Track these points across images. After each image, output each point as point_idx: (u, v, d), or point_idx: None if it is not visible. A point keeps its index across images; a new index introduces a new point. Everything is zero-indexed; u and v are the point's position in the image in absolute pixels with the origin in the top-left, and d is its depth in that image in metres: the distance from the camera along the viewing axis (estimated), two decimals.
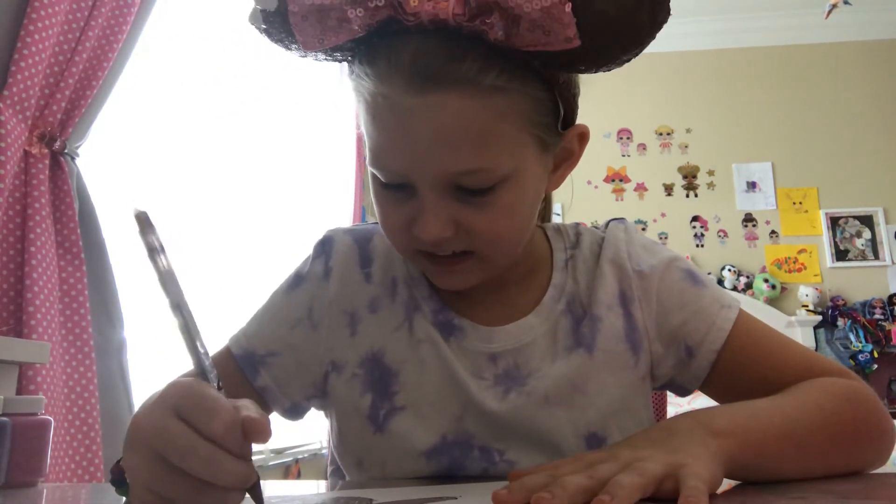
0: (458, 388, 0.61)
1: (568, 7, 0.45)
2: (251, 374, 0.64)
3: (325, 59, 0.56)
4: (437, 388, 0.61)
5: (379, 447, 0.60)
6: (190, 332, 0.39)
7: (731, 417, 0.49)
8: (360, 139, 2.71)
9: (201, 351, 0.39)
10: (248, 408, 0.38)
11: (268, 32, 0.54)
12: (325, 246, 0.67)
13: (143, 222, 0.38)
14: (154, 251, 0.38)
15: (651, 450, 0.43)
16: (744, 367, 0.60)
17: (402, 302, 0.65)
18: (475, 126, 0.50)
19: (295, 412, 0.67)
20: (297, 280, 0.67)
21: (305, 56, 0.56)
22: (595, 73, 0.53)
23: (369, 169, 0.56)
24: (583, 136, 0.61)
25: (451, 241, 0.54)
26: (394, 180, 0.54)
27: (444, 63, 0.48)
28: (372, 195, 0.58)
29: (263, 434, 0.37)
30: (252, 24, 0.55)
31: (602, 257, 0.65)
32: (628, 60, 0.51)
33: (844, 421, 0.53)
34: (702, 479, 0.39)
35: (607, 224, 0.69)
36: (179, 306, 0.39)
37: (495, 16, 0.46)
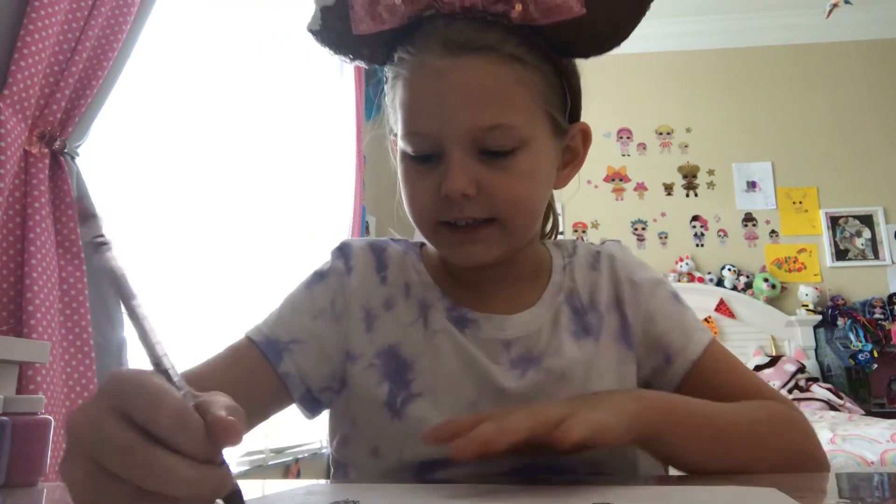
0: (474, 373, 0.64)
1: None
2: (275, 359, 0.64)
3: (368, 61, 0.65)
4: (452, 374, 0.64)
5: (397, 433, 0.62)
6: (146, 336, 0.34)
7: (661, 393, 0.58)
8: (359, 138, 2.72)
9: (159, 351, 0.34)
10: (215, 403, 0.32)
11: (320, 34, 0.63)
12: (343, 249, 0.71)
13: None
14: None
15: (567, 401, 0.51)
16: (709, 383, 0.65)
17: (415, 301, 0.68)
18: (498, 86, 0.58)
19: (308, 403, 0.67)
20: (318, 277, 0.70)
21: (354, 56, 0.65)
22: (597, 52, 0.61)
23: (400, 148, 0.62)
24: (586, 135, 0.68)
25: (474, 203, 0.59)
26: (423, 149, 0.60)
27: (472, 33, 0.58)
28: (400, 178, 0.64)
29: (231, 434, 0.31)
30: (310, 28, 0.63)
31: (598, 265, 0.72)
32: (625, 37, 0.60)
33: (764, 427, 0.59)
34: (585, 425, 0.46)
35: (603, 243, 0.76)
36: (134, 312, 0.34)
37: None
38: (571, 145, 0.67)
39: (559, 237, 0.79)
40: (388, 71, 0.63)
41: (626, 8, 0.58)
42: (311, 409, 0.69)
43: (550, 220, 0.76)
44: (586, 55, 0.62)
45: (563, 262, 0.72)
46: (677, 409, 0.55)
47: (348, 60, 0.66)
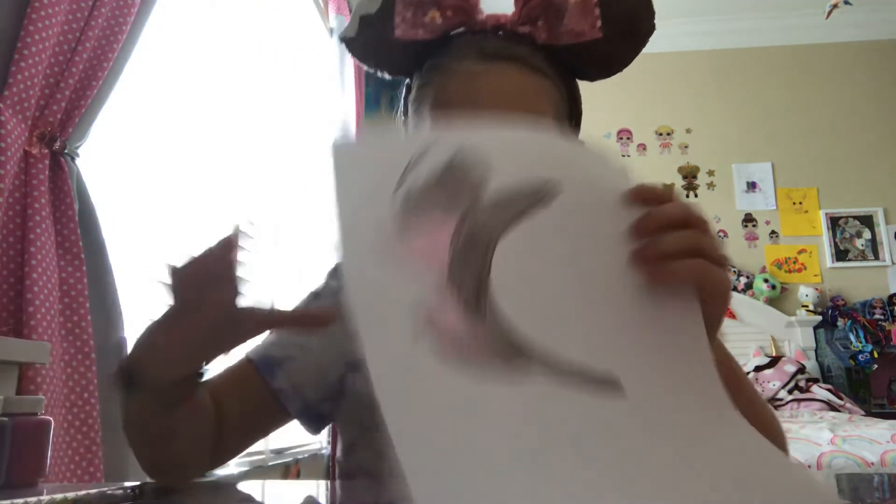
0: None
1: (596, 8, 0.63)
2: (269, 376, 0.66)
3: (394, 71, 0.71)
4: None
5: None
6: None
7: None
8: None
9: None
10: None
11: (353, 41, 0.68)
12: (338, 270, 0.73)
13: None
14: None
15: None
16: None
17: None
18: (525, 92, 0.64)
19: (307, 416, 0.68)
20: (313, 297, 0.73)
21: (381, 66, 0.70)
22: (604, 76, 0.68)
23: None
24: None
25: None
26: None
27: (504, 46, 0.65)
28: None
29: None
30: (344, 35, 0.68)
31: None
32: (629, 62, 0.66)
33: (765, 414, 0.62)
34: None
35: None
36: None
37: (541, 21, 0.64)
38: None
39: None
40: (415, 80, 0.69)
41: (634, 36, 0.65)
42: (313, 424, 0.69)
43: None
44: (594, 78, 0.69)
45: None
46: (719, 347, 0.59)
47: (372, 69, 0.71)
